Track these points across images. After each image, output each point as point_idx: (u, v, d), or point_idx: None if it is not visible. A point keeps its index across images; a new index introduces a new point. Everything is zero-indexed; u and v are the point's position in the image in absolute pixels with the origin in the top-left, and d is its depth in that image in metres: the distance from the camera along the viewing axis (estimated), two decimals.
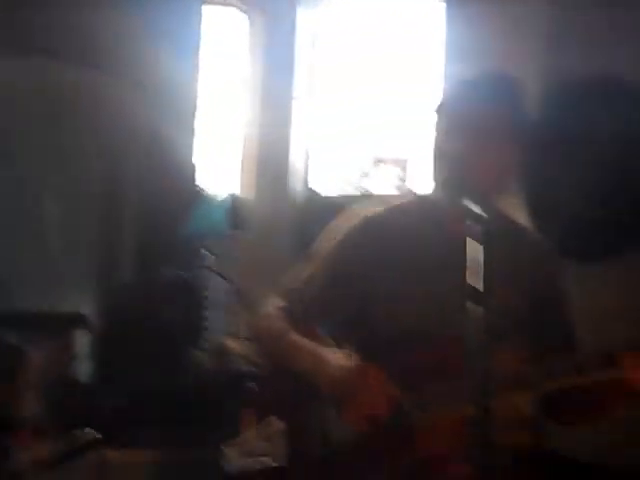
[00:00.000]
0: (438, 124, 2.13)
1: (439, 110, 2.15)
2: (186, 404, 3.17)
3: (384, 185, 3.99)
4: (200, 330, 3.55)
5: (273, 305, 2.28)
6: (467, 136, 2.05)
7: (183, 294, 3.48)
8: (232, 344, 3.50)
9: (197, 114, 3.87)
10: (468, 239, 1.75)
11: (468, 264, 1.69)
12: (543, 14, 3.62)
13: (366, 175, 4.03)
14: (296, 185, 4.01)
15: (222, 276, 3.72)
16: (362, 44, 4.13)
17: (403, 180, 3.99)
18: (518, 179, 3.26)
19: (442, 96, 2.17)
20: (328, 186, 4.07)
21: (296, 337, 2.15)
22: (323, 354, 2.06)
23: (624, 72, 3.45)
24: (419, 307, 2.08)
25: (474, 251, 1.71)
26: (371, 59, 4.11)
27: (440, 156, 2.11)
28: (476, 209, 1.83)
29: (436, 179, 2.14)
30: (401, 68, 4.08)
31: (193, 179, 3.84)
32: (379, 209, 2.22)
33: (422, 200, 2.24)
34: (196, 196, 3.75)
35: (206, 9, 3.89)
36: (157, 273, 3.43)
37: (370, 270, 2.12)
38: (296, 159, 4.02)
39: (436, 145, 2.12)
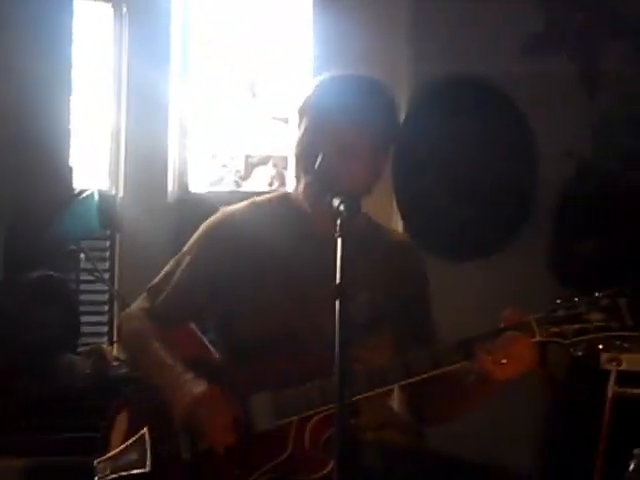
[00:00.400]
0: (302, 124, 2.14)
1: (303, 110, 2.15)
2: (60, 409, 3.11)
3: (260, 184, 4.00)
4: (75, 333, 3.47)
5: (137, 305, 2.27)
6: (332, 140, 2.06)
7: (56, 295, 3.40)
8: (108, 347, 3.46)
9: (70, 111, 3.77)
10: (333, 237, 1.78)
11: (332, 262, 1.72)
12: (407, 14, 3.68)
13: (242, 173, 4.04)
14: (171, 183, 3.97)
15: (96, 276, 3.66)
16: (235, 37, 4.12)
17: (278, 178, 4.01)
18: (389, 181, 3.36)
19: (307, 96, 2.15)
20: (204, 184, 4.05)
21: (156, 350, 2.14)
22: (174, 378, 2.06)
23: (489, 72, 3.56)
24: (281, 306, 2.10)
25: (338, 249, 1.74)
26: (244, 53, 4.11)
27: (304, 156, 2.12)
28: (341, 209, 1.86)
29: (299, 177, 2.16)
30: (274, 64, 4.09)
31: (67, 179, 3.74)
32: (239, 205, 2.23)
33: (284, 197, 2.26)
34: (69, 196, 3.66)
35: (77, 4, 3.80)
36: (28, 274, 3.33)
37: (229, 268, 2.14)
38: (171, 157, 3.97)
39: (300, 145, 2.13)
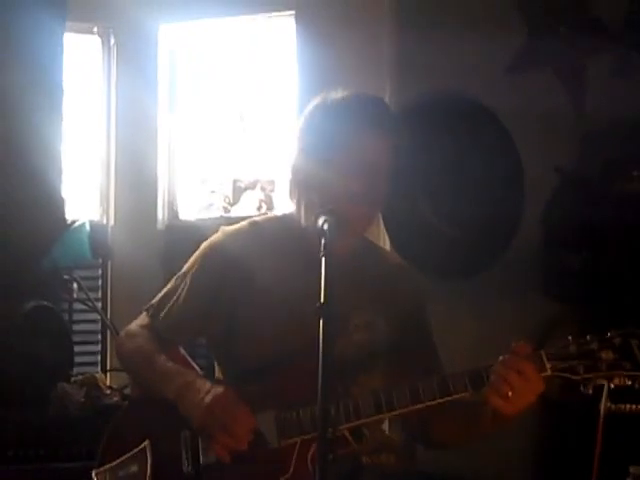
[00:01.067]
0: (299, 150, 2.11)
1: (302, 136, 2.12)
2: (55, 439, 3.09)
3: (249, 208, 4.02)
4: (68, 363, 3.47)
5: (137, 323, 2.27)
6: (336, 164, 2.05)
7: (48, 325, 3.40)
8: (101, 376, 3.45)
9: (62, 143, 3.79)
10: (322, 262, 1.79)
11: (326, 284, 1.73)
12: (390, 34, 3.71)
13: (230, 199, 4.05)
14: (161, 211, 3.99)
15: (89, 306, 3.66)
16: (222, 64, 4.15)
17: (267, 202, 4.02)
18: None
19: (304, 118, 2.14)
20: (193, 211, 4.07)
21: (164, 362, 2.13)
22: (185, 386, 2.05)
23: (473, 90, 3.57)
24: (282, 326, 2.09)
25: (322, 268, 1.75)
26: (231, 80, 4.14)
27: (302, 182, 2.12)
28: (324, 228, 1.87)
29: (299, 198, 2.15)
30: (260, 90, 4.12)
31: (59, 210, 3.75)
32: (239, 225, 2.24)
33: (283, 217, 2.27)
34: (61, 226, 3.68)
35: (67, 36, 3.83)
36: (21, 305, 3.34)
37: (229, 288, 2.14)
38: (160, 185, 4.00)
39: (297, 171, 2.13)
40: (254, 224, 2.24)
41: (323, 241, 1.83)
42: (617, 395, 2.83)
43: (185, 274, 2.22)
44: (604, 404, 2.84)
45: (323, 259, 1.77)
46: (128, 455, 2.10)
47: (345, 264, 1.97)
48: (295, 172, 2.15)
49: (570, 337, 1.92)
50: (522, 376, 1.87)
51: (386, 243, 3.59)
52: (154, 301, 2.25)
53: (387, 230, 3.60)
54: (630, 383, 1.87)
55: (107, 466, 2.12)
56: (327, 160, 2.07)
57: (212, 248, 2.21)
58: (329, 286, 1.72)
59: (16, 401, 3.13)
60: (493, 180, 3.54)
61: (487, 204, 3.54)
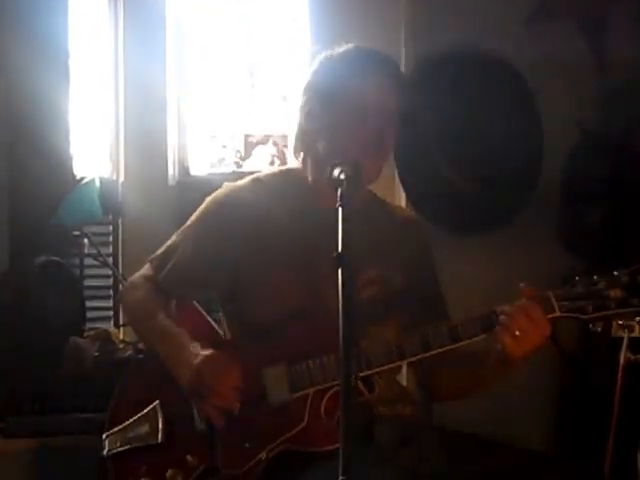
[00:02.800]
0: (310, 102, 2.12)
1: (311, 88, 2.13)
2: (69, 392, 3.12)
3: (261, 163, 4.01)
4: (80, 317, 3.49)
5: (141, 274, 2.28)
6: (348, 116, 2.04)
7: (61, 281, 3.42)
8: (114, 330, 3.47)
9: (69, 101, 3.78)
10: (339, 213, 1.79)
11: (343, 233, 1.73)
12: None
13: (242, 153, 4.05)
14: (172, 166, 3.98)
15: (100, 261, 3.68)
16: (232, 17, 4.13)
17: (279, 157, 4.01)
18: (395, 157, 3.36)
19: (314, 73, 2.14)
20: (204, 166, 4.06)
21: (161, 320, 2.14)
22: (178, 346, 2.06)
23: (492, 42, 3.53)
24: (289, 280, 2.09)
25: (339, 219, 1.74)
26: (242, 33, 4.12)
27: (313, 134, 2.11)
28: (341, 178, 1.87)
29: (306, 152, 2.15)
30: (271, 42, 4.09)
31: (68, 167, 3.75)
32: (242, 181, 2.23)
33: (287, 172, 2.26)
34: (70, 183, 3.68)
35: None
36: (33, 261, 3.36)
37: (234, 243, 2.13)
38: (171, 140, 3.99)
39: (308, 123, 2.12)
40: (257, 180, 2.24)
41: (340, 191, 1.83)
42: (637, 346, 2.86)
43: (189, 228, 2.22)
44: (624, 354, 2.85)
45: (340, 209, 1.77)
46: (138, 415, 2.12)
47: (356, 217, 1.97)
48: (303, 125, 2.15)
49: (577, 277, 1.93)
50: (529, 317, 1.89)
51: (402, 199, 3.59)
52: (158, 253, 2.25)
53: (403, 185, 3.59)
54: (639, 319, 1.89)
55: (117, 428, 2.14)
56: (335, 111, 2.07)
57: (216, 203, 2.21)
58: (346, 236, 1.71)
59: (30, 356, 3.16)
60: (512, 134, 3.51)
61: (505, 158, 3.52)
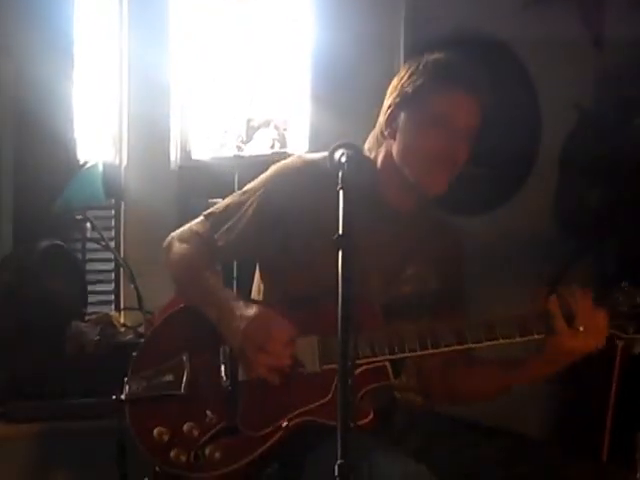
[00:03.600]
0: (410, 117, 2.13)
1: (412, 102, 2.13)
2: (71, 376, 3.14)
3: (261, 147, 4.01)
4: (82, 301, 3.50)
5: (190, 227, 2.27)
6: (424, 127, 2.10)
7: (63, 264, 3.42)
8: (116, 314, 3.48)
9: (73, 85, 3.78)
10: (340, 195, 1.79)
11: (397, 235, 1.73)
12: None
13: (243, 137, 4.04)
14: (174, 151, 3.98)
15: (102, 245, 3.68)
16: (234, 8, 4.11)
17: (280, 141, 4.01)
18: None
19: (413, 88, 2.13)
20: (206, 151, 4.05)
21: (208, 278, 2.14)
22: (229, 306, 2.06)
23: (489, 25, 3.52)
24: (329, 258, 2.10)
25: (340, 202, 1.75)
26: (243, 22, 4.10)
27: (405, 140, 2.13)
28: (342, 160, 1.87)
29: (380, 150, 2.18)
30: (273, 29, 4.07)
31: (71, 151, 3.74)
32: (315, 155, 2.22)
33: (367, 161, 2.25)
34: (73, 167, 3.67)
35: None
36: (36, 244, 3.37)
37: (290, 215, 2.15)
38: (173, 125, 3.98)
39: (404, 129, 2.14)
40: (315, 160, 2.22)
41: (341, 174, 1.83)
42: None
43: (253, 191, 2.22)
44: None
45: (341, 192, 1.77)
46: (165, 365, 2.12)
47: (407, 218, 1.98)
48: (382, 123, 2.18)
49: (625, 286, 1.89)
50: (595, 316, 1.88)
51: None
52: (216, 209, 2.24)
53: None
54: None
55: (141, 373, 2.14)
56: (415, 119, 2.12)
57: (288, 172, 2.21)
58: (347, 218, 1.73)
59: (32, 339, 3.16)
60: (510, 116, 3.52)
61: (504, 140, 3.52)
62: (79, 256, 3.75)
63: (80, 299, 3.47)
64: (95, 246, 3.76)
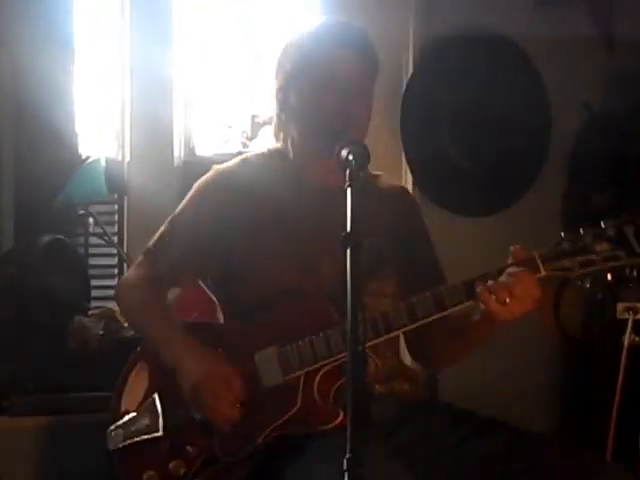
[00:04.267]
0: (301, 88, 2.14)
1: (298, 74, 2.14)
2: (74, 370, 3.15)
3: (267, 143, 4.00)
4: (85, 296, 3.51)
5: (134, 272, 2.28)
6: (339, 86, 2.07)
7: (66, 260, 3.44)
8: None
9: (74, 79, 3.78)
10: (328, 187, 1.78)
11: (328, 212, 1.73)
12: None
13: (248, 134, 4.04)
14: (177, 147, 3.99)
15: (105, 240, 3.69)
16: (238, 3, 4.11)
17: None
18: (398, 137, 3.34)
19: (298, 47, 2.16)
20: (210, 146, 4.06)
21: (160, 322, 2.16)
22: (181, 357, 2.07)
23: (500, 24, 3.53)
24: (280, 260, 2.10)
25: (348, 199, 1.75)
26: (247, 19, 4.10)
27: (303, 114, 2.14)
28: (349, 158, 1.87)
29: (290, 130, 2.18)
30: (275, 27, 4.08)
31: (73, 145, 3.77)
32: (230, 163, 2.24)
33: (275, 151, 2.27)
34: (75, 162, 3.68)
35: None
36: (38, 239, 3.38)
37: (225, 225, 2.14)
38: (177, 120, 3.99)
39: (307, 108, 2.13)
40: (245, 160, 2.26)
41: (348, 171, 1.83)
42: None
43: (180, 215, 2.23)
44: (628, 337, 2.85)
45: (349, 189, 1.77)
46: (139, 410, 2.15)
47: (341, 194, 1.96)
48: (280, 104, 2.22)
49: (562, 234, 1.90)
50: (518, 281, 1.87)
51: (408, 180, 3.60)
52: (151, 244, 2.26)
53: (410, 167, 3.61)
54: (628, 273, 1.84)
55: (120, 422, 2.17)
56: (307, 87, 2.12)
57: (206, 186, 2.22)
58: (354, 216, 1.71)
59: (35, 334, 3.18)
60: (520, 117, 3.53)
61: (513, 141, 3.53)
62: (82, 251, 3.78)
63: (83, 294, 3.49)
64: (98, 241, 3.78)
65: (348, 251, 1.65)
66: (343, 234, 1.67)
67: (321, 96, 2.09)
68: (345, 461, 1.48)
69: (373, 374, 2.11)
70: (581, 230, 1.88)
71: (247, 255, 2.14)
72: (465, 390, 2.40)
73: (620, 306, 2.88)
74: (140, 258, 2.28)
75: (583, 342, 3.38)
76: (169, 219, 2.26)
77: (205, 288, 2.74)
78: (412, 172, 3.59)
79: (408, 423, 2.10)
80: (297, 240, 2.11)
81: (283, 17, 4.07)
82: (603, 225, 1.87)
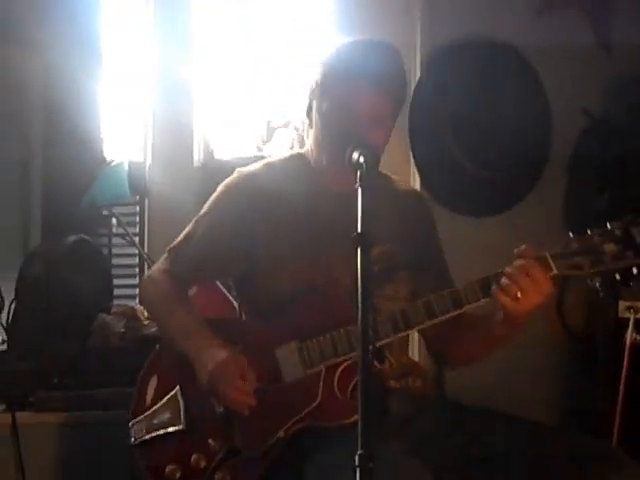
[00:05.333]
0: (325, 91, 2.17)
1: (327, 78, 2.18)
2: (96, 367, 3.22)
3: (281, 147, 4.08)
4: (108, 295, 3.58)
5: (158, 267, 2.35)
6: (362, 109, 2.10)
7: (89, 258, 3.49)
8: (140, 307, 3.54)
9: (101, 84, 3.85)
10: (348, 191, 1.84)
11: (347, 215, 1.78)
12: None
13: (264, 138, 4.11)
14: (197, 151, 4.06)
15: (127, 240, 3.75)
16: (256, 10, 4.18)
17: (300, 141, 4.07)
18: (406, 140, 3.38)
19: (330, 64, 2.19)
20: (228, 150, 4.13)
21: (181, 316, 2.21)
22: (199, 344, 2.13)
23: (503, 32, 3.57)
24: (300, 260, 2.16)
25: (359, 200, 1.79)
26: (264, 25, 4.17)
27: (321, 129, 2.19)
28: (360, 161, 1.92)
29: (317, 140, 2.22)
30: (293, 33, 4.14)
31: (98, 149, 3.84)
32: (254, 166, 2.30)
33: (297, 156, 2.32)
34: (100, 165, 3.74)
35: None
36: (64, 240, 3.44)
37: (248, 226, 2.20)
38: (196, 126, 4.06)
39: (323, 124, 2.18)
40: (269, 164, 2.30)
41: (359, 173, 1.88)
42: None
43: (204, 216, 2.29)
44: (630, 335, 2.87)
45: (360, 190, 1.81)
46: (160, 403, 2.19)
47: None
48: (310, 112, 2.23)
49: (571, 234, 1.96)
50: (530, 277, 1.92)
51: (417, 182, 3.65)
52: (175, 243, 2.31)
53: (418, 169, 3.65)
54: (636, 272, 1.89)
55: (141, 416, 2.21)
56: (336, 99, 2.14)
57: (229, 189, 2.27)
58: (368, 218, 1.76)
59: (60, 331, 3.25)
60: (521, 121, 3.56)
61: (515, 145, 3.56)
62: (105, 251, 3.85)
63: (106, 292, 3.55)
64: (120, 241, 3.85)
65: (359, 250, 1.71)
66: (354, 234, 1.73)
67: (337, 119, 2.14)
68: (357, 457, 1.53)
69: (388, 371, 2.18)
70: (588, 231, 1.94)
71: (269, 256, 2.19)
72: (470, 387, 2.44)
73: (622, 305, 2.90)
74: (164, 256, 2.34)
75: (586, 340, 3.40)
76: (194, 219, 2.31)
77: (221, 287, 2.83)
78: (420, 175, 3.63)
79: (423, 418, 2.15)
80: (317, 242, 2.16)
81: (299, 23, 4.13)
82: (609, 226, 1.93)
